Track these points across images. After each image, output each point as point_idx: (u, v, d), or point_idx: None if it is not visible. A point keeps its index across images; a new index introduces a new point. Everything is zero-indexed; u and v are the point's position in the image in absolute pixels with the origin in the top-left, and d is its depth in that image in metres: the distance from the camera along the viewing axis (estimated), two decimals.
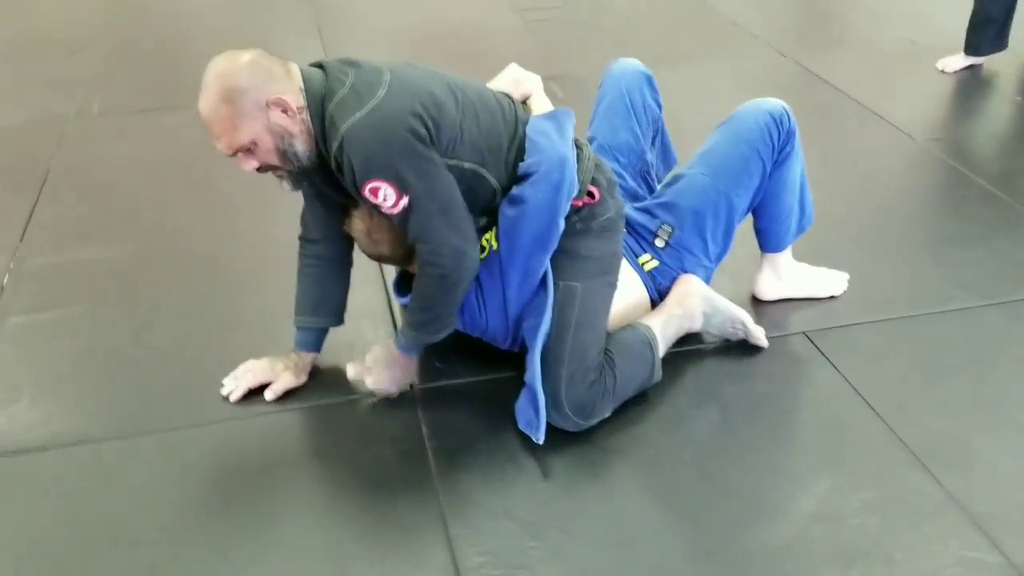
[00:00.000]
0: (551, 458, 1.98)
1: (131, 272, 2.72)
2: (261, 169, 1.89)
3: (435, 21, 4.93)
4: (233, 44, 1.90)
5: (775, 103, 2.22)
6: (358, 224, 2.06)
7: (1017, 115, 3.63)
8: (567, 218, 2.00)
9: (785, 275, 2.43)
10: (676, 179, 2.28)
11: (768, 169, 2.21)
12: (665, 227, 2.23)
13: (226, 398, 2.15)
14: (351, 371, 2.13)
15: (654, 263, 2.24)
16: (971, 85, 3.89)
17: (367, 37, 4.71)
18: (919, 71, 4.03)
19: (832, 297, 2.46)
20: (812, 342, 2.32)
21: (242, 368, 2.18)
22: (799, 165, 2.30)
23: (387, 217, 1.91)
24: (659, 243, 2.24)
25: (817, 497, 1.88)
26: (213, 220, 3.00)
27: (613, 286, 2.11)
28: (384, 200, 1.84)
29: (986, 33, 3.85)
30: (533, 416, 1.98)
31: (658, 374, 2.12)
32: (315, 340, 2.20)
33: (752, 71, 4.10)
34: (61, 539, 1.83)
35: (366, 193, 1.84)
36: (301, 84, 1.84)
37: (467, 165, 1.93)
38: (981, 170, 3.14)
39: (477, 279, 2.02)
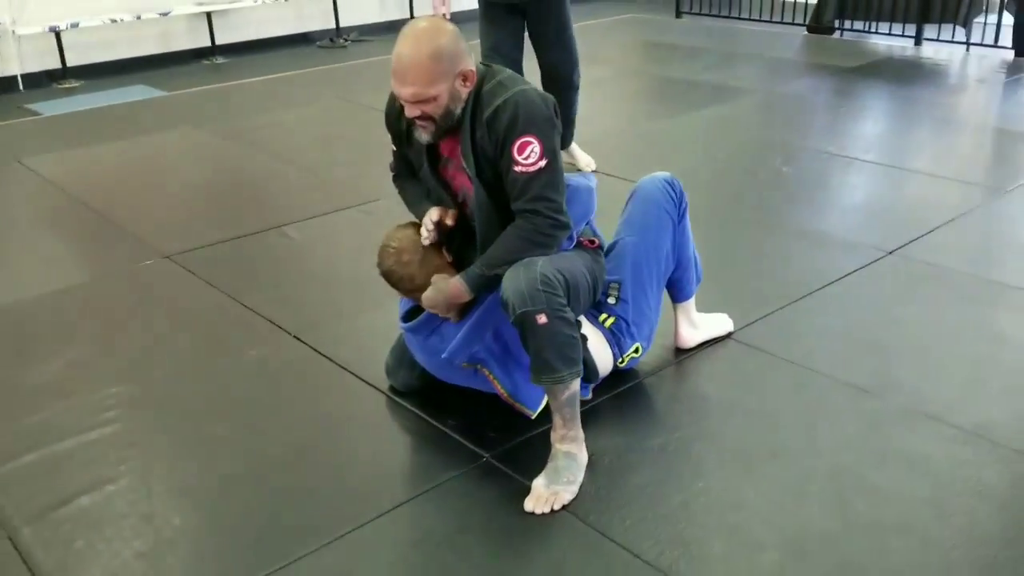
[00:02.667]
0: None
1: None
2: (421, 118, 2.18)
3: None
4: None
5: (664, 173, 2.75)
6: (391, 250, 2.34)
7: None
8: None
9: (698, 323, 2.91)
10: (611, 247, 2.71)
11: (675, 223, 2.72)
12: (613, 285, 2.64)
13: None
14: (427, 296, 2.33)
15: (611, 319, 2.63)
16: None
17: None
18: None
19: (730, 333, 3.00)
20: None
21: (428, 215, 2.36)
22: (689, 227, 2.77)
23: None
24: (611, 300, 2.64)
25: None
26: None
27: (586, 268, 2.39)
28: (528, 156, 2.17)
29: None
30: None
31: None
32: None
33: None
34: None
35: (515, 147, 2.16)
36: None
37: None
38: None
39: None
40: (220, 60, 7.34)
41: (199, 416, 2.60)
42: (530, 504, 2.17)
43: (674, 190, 2.69)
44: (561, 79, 4.18)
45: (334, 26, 8.02)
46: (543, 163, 2.19)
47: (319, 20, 8.03)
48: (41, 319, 3.19)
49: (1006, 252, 3.54)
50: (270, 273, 3.49)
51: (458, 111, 2.21)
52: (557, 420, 2.26)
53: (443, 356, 2.37)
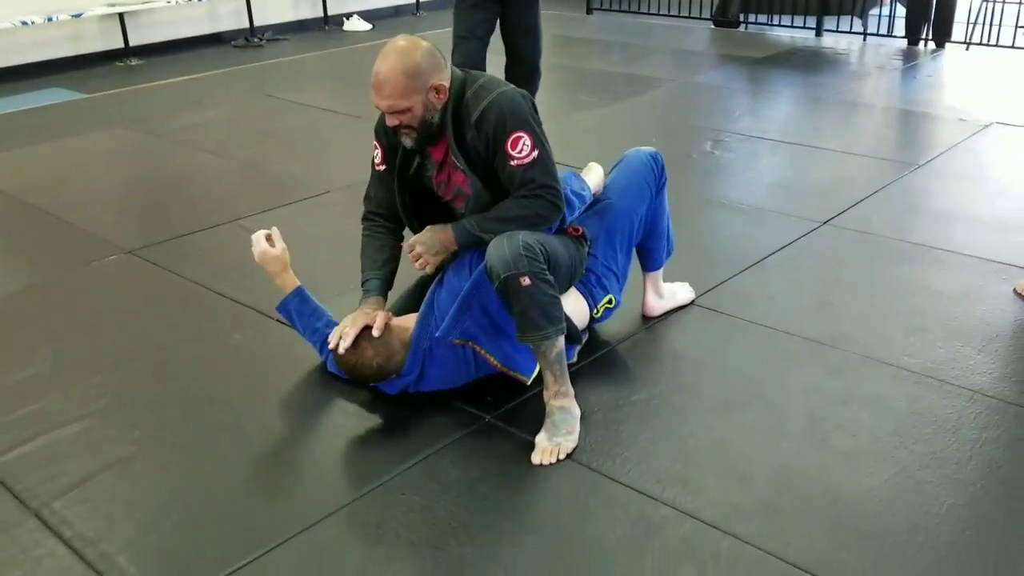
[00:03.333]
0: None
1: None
2: (400, 127, 2.39)
3: None
4: None
5: (649, 148, 2.95)
6: (364, 349, 2.42)
7: None
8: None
9: (664, 293, 3.11)
10: (592, 205, 2.93)
11: (653, 194, 2.93)
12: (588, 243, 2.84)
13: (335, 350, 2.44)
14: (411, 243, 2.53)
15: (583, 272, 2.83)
16: None
17: None
18: None
19: (692, 301, 3.19)
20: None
21: (341, 325, 2.45)
22: (667, 201, 3.03)
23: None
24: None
25: None
26: None
27: (567, 252, 2.56)
28: (521, 150, 2.37)
29: None
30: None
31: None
32: (382, 288, 2.58)
33: None
34: None
35: (508, 143, 2.36)
36: (450, 75, 2.38)
37: None
38: None
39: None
40: (134, 62, 7.24)
41: (197, 398, 2.67)
42: (537, 458, 2.32)
43: (656, 164, 2.88)
44: (529, 63, 4.41)
45: (248, 26, 8.00)
46: (535, 154, 2.40)
47: (232, 20, 7.99)
48: (13, 317, 3.18)
49: (925, 218, 3.86)
50: (234, 263, 3.54)
51: (435, 119, 2.41)
52: (548, 378, 2.41)
53: (436, 335, 2.49)
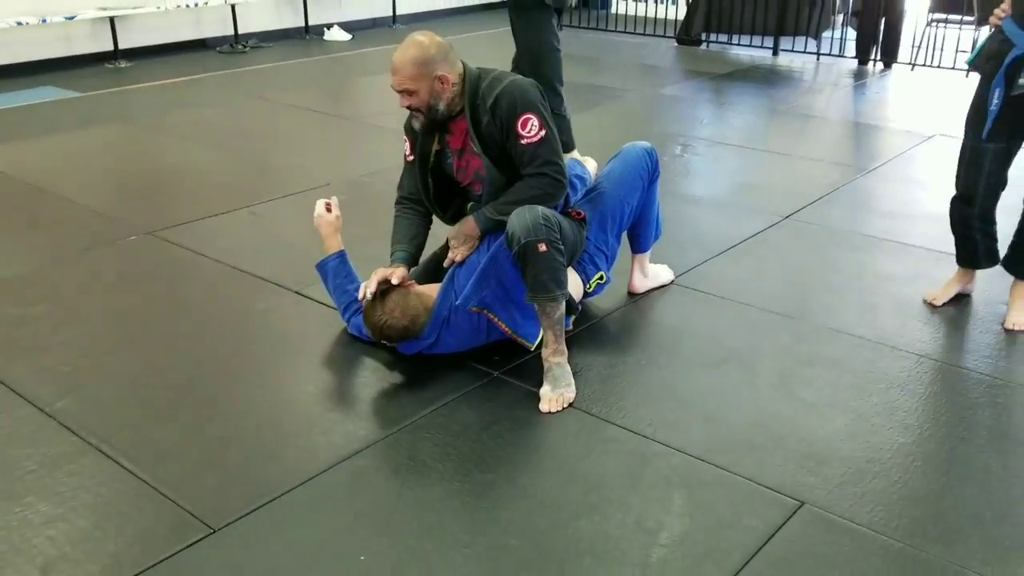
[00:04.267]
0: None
1: None
2: (410, 107, 2.74)
3: None
4: None
5: (645, 143, 3.28)
6: (392, 309, 2.73)
7: None
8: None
9: (648, 273, 3.47)
10: (590, 191, 3.26)
11: (645, 186, 3.26)
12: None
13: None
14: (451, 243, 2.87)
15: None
16: None
17: None
18: None
19: (673, 282, 3.55)
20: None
21: (367, 282, 2.76)
22: (657, 192, 3.36)
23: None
24: None
25: None
26: None
27: (571, 231, 2.87)
28: (530, 130, 2.70)
29: None
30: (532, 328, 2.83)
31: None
32: (407, 259, 2.88)
33: None
34: None
35: (518, 124, 2.69)
36: (460, 71, 2.76)
37: None
38: None
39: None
40: (123, 64, 7.47)
41: (228, 355, 2.96)
42: (544, 406, 2.65)
43: (651, 159, 3.22)
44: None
45: (232, 32, 8.26)
46: (543, 133, 2.73)
47: (217, 27, 8.25)
48: (51, 287, 3.43)
49: (875, 215, 4.27)
50: (250, 244, 3.83)
51: (441, 106, 2.74)
52: (549, 337, 2.74)
53: (456, 302, 2.80)
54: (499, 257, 2.75)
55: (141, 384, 2.76)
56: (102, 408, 2.64)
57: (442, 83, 2.71)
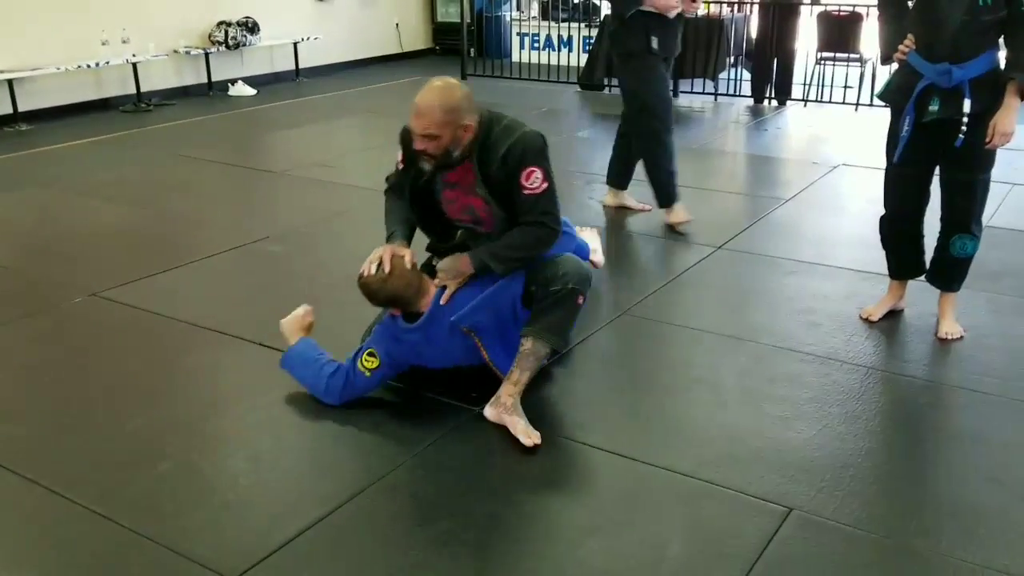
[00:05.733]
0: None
1: None
2: (424, 152, 2.76)
3: None
4: None
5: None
6: (402, 276, 2.83)
7: None
8: None
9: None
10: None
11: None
12: None
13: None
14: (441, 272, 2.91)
15: None
16: None
17: None
18: None
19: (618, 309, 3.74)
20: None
21: (372, 255, 2.85)
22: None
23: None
24: None
25: None
26: None
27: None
28: (533, 182, 2.81)
29: None
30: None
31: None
32: (404, 237, 2.96)
33: None
34: None
35: (523, 176, 2.79)
36: (478, 119, 2.80)
37: None
38: None
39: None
40: (24, 127, 7.26)
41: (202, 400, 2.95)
42: (530, 441, 2.70)
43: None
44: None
45: (135, 91, 8.14)
46: (544, 186, 2.86)
47: (118, 86, 8.11)
48: (11, 353, 3.34)
49: (800, 241, 4.52)
50: (201, 297, 3.80)
51: (456, 153, 2.81)
52: (522, 375, 2.81)
53: (452, 319, 2.86)
54: (502, 292, 2.86)
55: (145, 439, 2.72)
56: (61, 462, 2.59)
57: (465, 131, 2.78)
